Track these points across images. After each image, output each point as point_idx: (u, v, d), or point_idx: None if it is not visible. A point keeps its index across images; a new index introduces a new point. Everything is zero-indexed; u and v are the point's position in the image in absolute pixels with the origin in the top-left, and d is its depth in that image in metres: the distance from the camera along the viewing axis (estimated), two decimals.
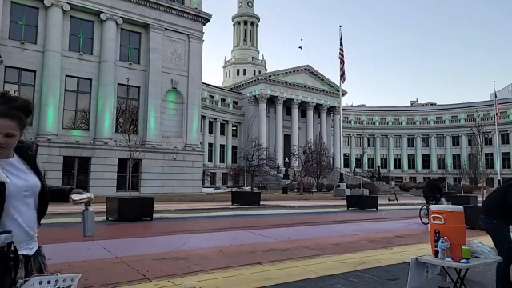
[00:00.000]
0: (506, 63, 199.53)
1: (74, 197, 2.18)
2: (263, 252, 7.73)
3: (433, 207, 4.35)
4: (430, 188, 14.68)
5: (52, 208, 2.27)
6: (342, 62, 32.77)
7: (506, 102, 67.82)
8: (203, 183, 39.97)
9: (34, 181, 2.02)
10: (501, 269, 4.47)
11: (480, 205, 5.61)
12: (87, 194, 2.19)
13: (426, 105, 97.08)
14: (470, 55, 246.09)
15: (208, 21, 33.47)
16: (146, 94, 29.71)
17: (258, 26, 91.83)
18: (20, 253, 1.91)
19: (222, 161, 64.04)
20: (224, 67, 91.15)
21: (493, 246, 4.57)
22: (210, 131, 62.42)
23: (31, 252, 2.01)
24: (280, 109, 65.04)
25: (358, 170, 64.50)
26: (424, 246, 7.36)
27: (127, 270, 5.91)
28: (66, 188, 2.25)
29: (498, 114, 49.84)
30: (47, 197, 2.09)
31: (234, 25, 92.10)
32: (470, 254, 3.93)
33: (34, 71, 25.99)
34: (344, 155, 68.58)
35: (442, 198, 14.08)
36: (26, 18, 26.20)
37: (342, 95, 51.65)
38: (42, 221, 2.13)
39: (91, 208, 2.23)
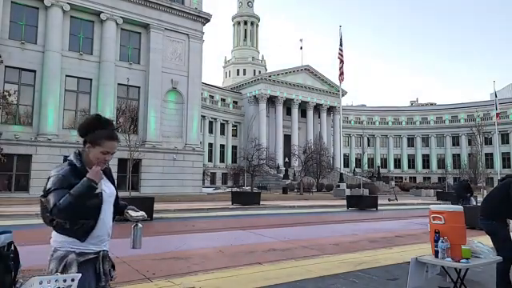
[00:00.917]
0: (506, 63, 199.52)
1: (131, 213, 2.51)
2: (263, 252, 7.74)
3: (433, 207, 4.35)
4: (464, 189, 15.26)
5: None
6: (342, 61, 32.76)
7: (506, 101, 67.74)
8: (203, 183, 39.95)
9: (113, 189, 2.43)
10: (500, 269, 4.47)
11: (480, 204, 5.61)
12: (141, 212, 2.52)
13: (426, 105, 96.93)
14: (470, 55, 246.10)
15: (208, 21, 33.48)
16: (146, 94, 29.73)
17: (257, 25, 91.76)
18: (103, 249, 2.31)
19: (221, 161, 64.01)
20: (224, 67, 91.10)
21: (492, 245, 4.57)
22: (210, 131, 62.39)
23: (107, 250, 2.35)
24: (280, 109, 65.01)
25: (357, 169, 64.42)
26: (424, 245, 7.36)
27: (127, 270, 5.91)
28: (123, 204, 2.57)
29: (499, 114, 49.75)
30: (119, 204, 2.50)
31: (233, 25, 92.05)
32: (469, 254, 3.94)
33: (34, 71, 25.98)
34: (344, 155, 68.53)
35: (472, 198, 14.51)
36: (26, 18, 26.21)
37: (342, 95, 51.60)
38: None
39: (141, 224, 2.52)
